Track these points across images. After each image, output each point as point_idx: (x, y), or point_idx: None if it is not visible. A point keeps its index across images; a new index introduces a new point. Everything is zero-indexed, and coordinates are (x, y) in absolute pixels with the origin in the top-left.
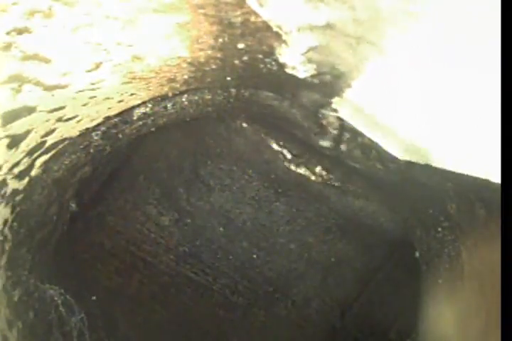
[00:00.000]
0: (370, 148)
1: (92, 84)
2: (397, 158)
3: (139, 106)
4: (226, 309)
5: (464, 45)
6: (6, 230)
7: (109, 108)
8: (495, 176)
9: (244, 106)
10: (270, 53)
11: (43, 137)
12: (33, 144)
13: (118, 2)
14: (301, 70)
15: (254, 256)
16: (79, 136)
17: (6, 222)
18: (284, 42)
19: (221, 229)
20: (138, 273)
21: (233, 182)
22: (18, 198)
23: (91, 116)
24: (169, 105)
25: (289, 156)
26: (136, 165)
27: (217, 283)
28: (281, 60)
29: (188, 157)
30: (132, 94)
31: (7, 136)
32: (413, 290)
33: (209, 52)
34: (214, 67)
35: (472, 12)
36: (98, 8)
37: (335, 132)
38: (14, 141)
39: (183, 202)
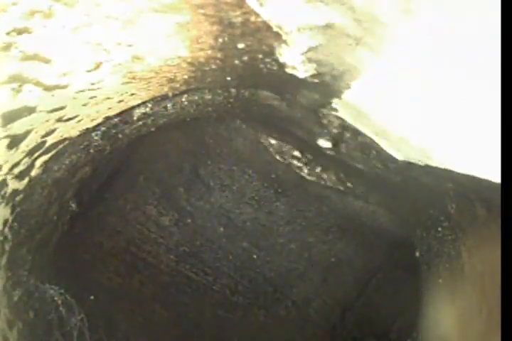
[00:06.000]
0: (370, 148)
1: (92, 84)
2: (397, 158)
3: (139, 106)
4: (226, 309)
5: (463, 44)
6: (6, 230)
7: (109, 108)
8: (495, 176)
9: (244, 106)
10: (270, 53)
11: (43, 137)
12: (33, 144)
13: (118, 2)
14: (301, 70)
15: (254, 256)
16: (79, 136)
17: (6, 222)
18: (284, 42)
19: (221, 229)
20: (138, 273)
21: (233, 182)
22: (18, 198)
23: (91, 116)
24: (169, 105)
25: (288, 156)
26: (136, 165)
27: (217, 283)
28: (281, 60)
29: (188, 157)
30: (132, 94)
31: (7, 136)
32: (413, 290)
33: (209, 52)
34: (214, 67)
35: (472, 12)
36: (98, 8)
37: (335, 132)
38: (14, 141)
39: (183, 202)
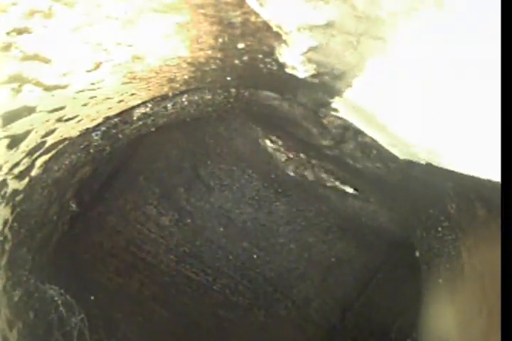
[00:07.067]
0: (371, 148)
1: (92, 84)
2: (397, 158)
3: (139, 106)
4: (226, 309)
5: (465, 43)
6: (6, 230)
7: (109, 108)
8: (495, 176)
9: (244, 106)
10: (270, 53)
11: (43, 137)
12: (33, 144)
13: (118, 2)
14: (301, 70)
15: (255, 256)
16: (79, 136)
17: (6, 222)
18: (284, 42)
19: (221, 229)
20: (138, 273)
21: (233, 182)
22: (18, 198)
23: (91, 116)
24: (169, 105)
25: (288, 156)
26: (136, 165)
27: (217, 283)
28: (281, 59)
29: (188, 157)
30: (132, 94)
31: (7, 136)
32: (413, 290)
33: (209, 52)
34: (214, 67)
35: (472, 12)
36: (98, 8)
37: (335, 131)
38: (14, 141)
39: (183, 202)
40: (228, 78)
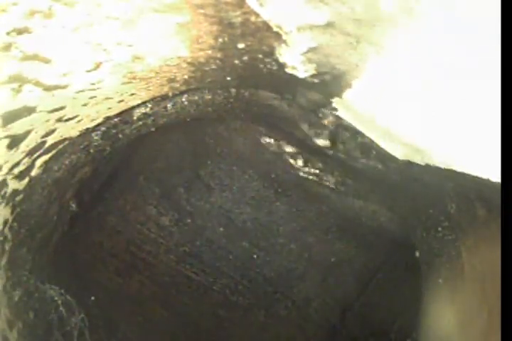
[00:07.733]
0: (370, 148)
1: (92, 84)
2: (397, 158)
3: (139, 106)
4: (226, 309)
5: (464, 44)
6: (6, 230)
7: (109, 108)
8: (495, 175)
9: (245, 106)
10: (270, 53)
11: (43, 137)
12: (33, 144)
13: (118, 2)
14: (301, 70)
15: (254, 256)
16: (79, 136)
17: (6, 222)
18: (284, 42)
19: (221, 229)
20: (138, 273)
21: (233, 182)
22: (18, 198)
23: (91, 116)
24: (169, 105)
25: (289, 156)
26: (136, 165)
27: (217, 283)
28: (281, 59)
29: (188, 157)
30: (132, 94)
31: (7, 136)
32: (413, 290)
33: (209, 52)
34: (214, 67)
35: (472, 12)
36: (98, 8)
37: (335, 132)
38: (14, 141)
39: (183, 202)
40: (228, 78)
